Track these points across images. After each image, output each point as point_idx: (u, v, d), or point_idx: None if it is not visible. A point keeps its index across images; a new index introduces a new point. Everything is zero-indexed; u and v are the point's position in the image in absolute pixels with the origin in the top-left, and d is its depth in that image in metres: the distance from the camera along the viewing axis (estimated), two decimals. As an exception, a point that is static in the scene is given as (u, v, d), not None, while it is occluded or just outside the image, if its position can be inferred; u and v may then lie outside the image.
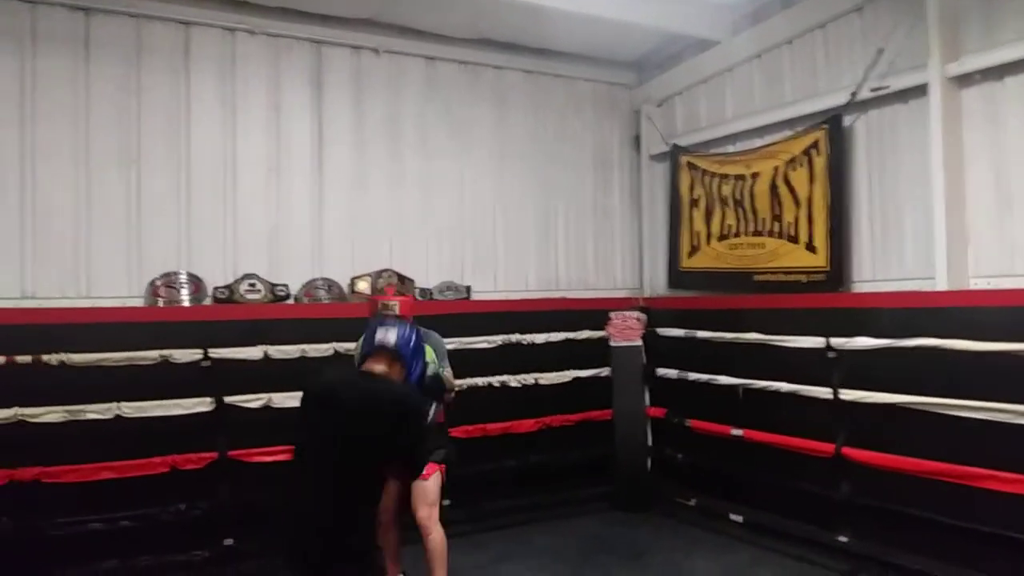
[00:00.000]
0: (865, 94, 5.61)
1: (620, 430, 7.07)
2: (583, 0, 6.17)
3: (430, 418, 3.68)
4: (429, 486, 4.54)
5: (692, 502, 6.72)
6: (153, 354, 5.35)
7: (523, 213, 7.44)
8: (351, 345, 5.17)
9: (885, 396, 5.11)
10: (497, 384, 6.59)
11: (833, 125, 5.82)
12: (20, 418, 4.91)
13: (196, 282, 5.86)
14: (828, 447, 5.46)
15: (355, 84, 6.69)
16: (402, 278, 6.57)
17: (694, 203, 7.16)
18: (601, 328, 7.17)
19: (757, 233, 6.48)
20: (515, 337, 6.77)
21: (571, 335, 7.07)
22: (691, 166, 7.20)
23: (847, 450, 5.35)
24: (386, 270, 6.55)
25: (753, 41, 6.64)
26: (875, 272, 5.68)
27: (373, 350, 3.50)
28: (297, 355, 5.75)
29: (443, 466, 4.67)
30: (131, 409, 5.20)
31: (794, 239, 6.13)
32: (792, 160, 6.16)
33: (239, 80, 6.21)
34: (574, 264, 7.70)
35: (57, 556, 4.99)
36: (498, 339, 6.67)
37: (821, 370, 5.53)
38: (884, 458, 5.10)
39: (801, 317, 5.85)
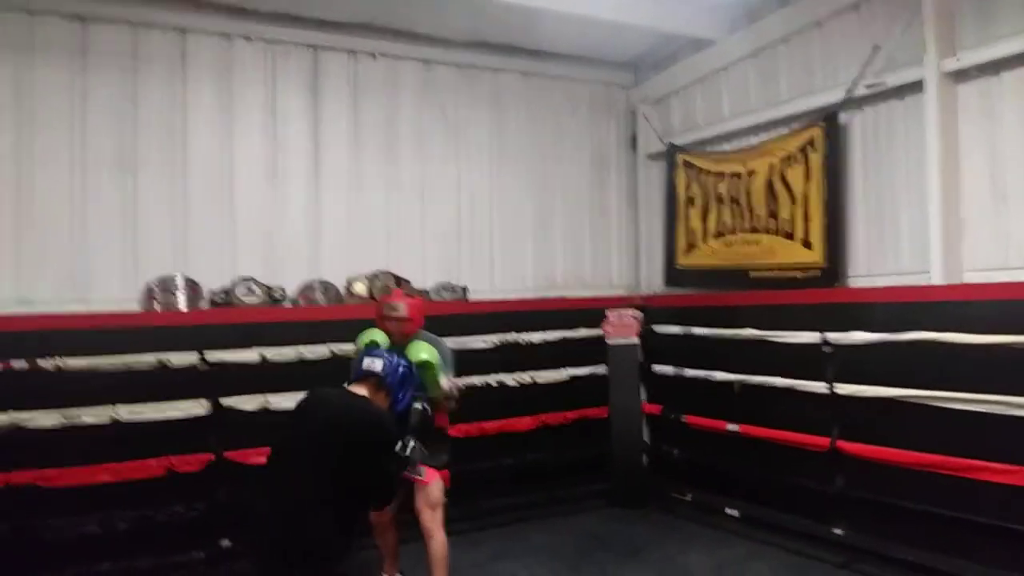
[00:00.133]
0: (861, 91, 5.61)
1: (616, 427, 7.09)
2: (579, 1, 6.17)
3: (408, 453, 3.71)
4: (431, 490, 4.55)
5: (688, 497, 6.74)
6: (150, 358, 5.38)
7: (520, 213, 7.46)
8: (348, 347, 5.18)
9: (880, 390, 5.13)
10: (494, 383, 6.61)
11: (829, 122, 5.83)
12: (16, 423, 4.93)
13: (192, 286, 5.89)
14: (823, 441, 5.47)
15: (352, 88, 6.72)
16: (398, 279, 6.59)
17: (690, 201, 7.16)
18: (598, 326, 7.18)
19: (753, 230, 6.48)
20: (512, 336, 6.80)
21: (568, 333, 7.09)
22: (687, 164, 7.20)
23: (842, 444, 5.36)
24: (383, 272, 6.57)
25: (749, 40, 6.64)
26: (871, 267, 5.68)
27: (360, 376, 3.60)
28: (294, 357, 5.78)
29: (444, 471, 4.66)
30: (127, 412, 5.23)
31: (790, 236, 6.13)
32: (788, 157, 6.16)
33: (236, 85, 6.24)
34: (571, 263, 7.71)
35: (54, 559, 5.00)
36: (495, 339, 6.70)
37: (816, 365, 5.56)
38: (879, 451, 5.12)
39: (797, 313, 5.87)
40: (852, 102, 5.71)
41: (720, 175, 6.81)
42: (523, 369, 6.79)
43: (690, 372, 6.73)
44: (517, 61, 7.43)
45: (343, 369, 4.04)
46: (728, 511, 6.28)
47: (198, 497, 5.41)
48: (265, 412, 5.55)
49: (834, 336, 5.45)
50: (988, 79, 4.94)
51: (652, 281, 7.79)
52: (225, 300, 5.95)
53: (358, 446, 3.25)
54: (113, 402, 5.21)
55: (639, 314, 7.21)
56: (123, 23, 5.84)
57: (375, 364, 3.64)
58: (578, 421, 7.02)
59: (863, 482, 5.30)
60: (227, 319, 5.84)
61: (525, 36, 7.11)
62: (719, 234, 6.83)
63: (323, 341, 5.87)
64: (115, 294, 5.66)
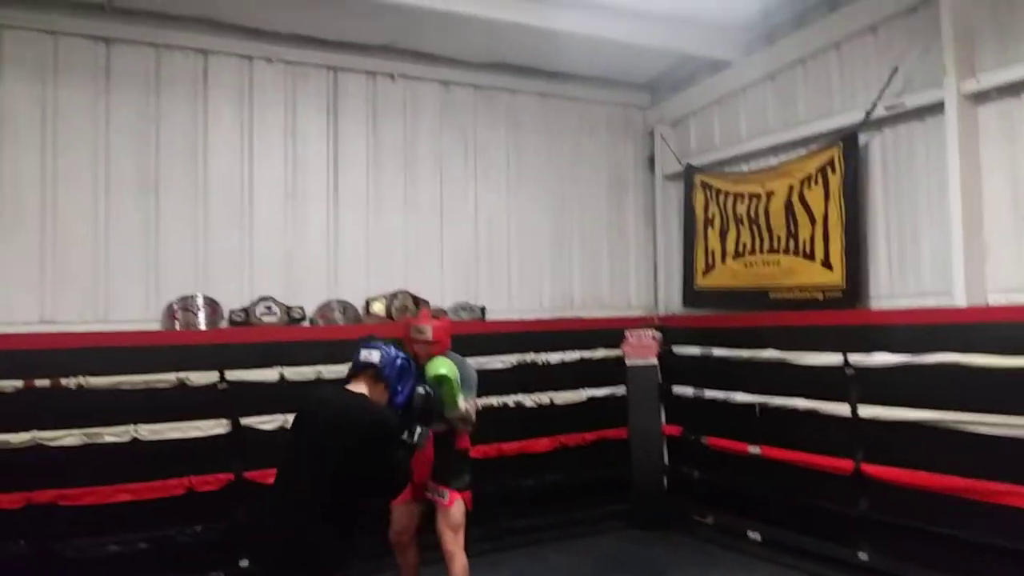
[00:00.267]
0: (880, 112, 5.61)
1: (636, 448, 7.05)
2: (596, 23, 6.22)
3: (416, 440, 3.66)
4: (452, 513, 4.53)
5: (709, 520, 6.68)
6: (170, 377, 5.41)
7: (538, 234, 7.47)
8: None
9: (904, 412, 5.08)
10: (512, 404, 6.60)
11: (848, 143, 5.82)
12: (38, 441, 4.96)
13: (213, 305, 5.92)
14: (847, 464, 5.42)
15: (371, 109, 6.77)
16: (416, 299, 6.60)
17: (709, 222, 7.16)
18: (616, 347, 7.17)
19: (773, 251, 6.46)
20: (530, 356, 6.79)
21: (586, 354, 7.07)
22: (705, 185, 7.21)
23: (866, 467, 5.31)
24: (401, 291, 6.58)
25: (766, 62, 6.66)
26: (892, 288, 5.65)
27: (357, 369, 3.56)
28: (313, 377, 5.77)
29: (467, 493, 4.64)
30: (148, 432, 5.25)
31: (810, 256, 6.11)
32: (807, 179, 6.15)
33: (256, 106, 6.30)
34: (589, 283, 7.70)
35: (74, 579, 5.01)
36: (513, 359, 6.69)
37: (839, 387, 5.51)
38: (904, 474, 5.07)
39: (818, 334, 5.84)
40: (871, 123, 5.70)
41: (739, 196, 6.81)
42: (541, 389, 6.79)
43: (710, 393, 6.70)
44: (535, 82, 7.47)
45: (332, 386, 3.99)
46: (750, 534, 6.22)
47: (218, 517, 5.40)
48: (284, 431, 5.48)
49: (856, 358, 5.41)
50: (1009, 100, 4.93)
51: (670, 301, 7.77)
52: (244, 319, 5.97)
53: (360, 444, 3.24)
54: (134, 421, 5.23)
55: (658, 334, 7.19)
56: (145, 45, 5.91)
57: (372, 355, 3.58)
58: (597, 442, 6.99)
59: (887, 506, 5.24)
60: (246, 338, 5.86)
61: (542, 58, 7.16)
62: (738, 255, 6.81)
63: (342, 360, 5.81)
64: (137, 314, 5.70)
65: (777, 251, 6.42)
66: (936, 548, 4.94)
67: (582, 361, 7.04)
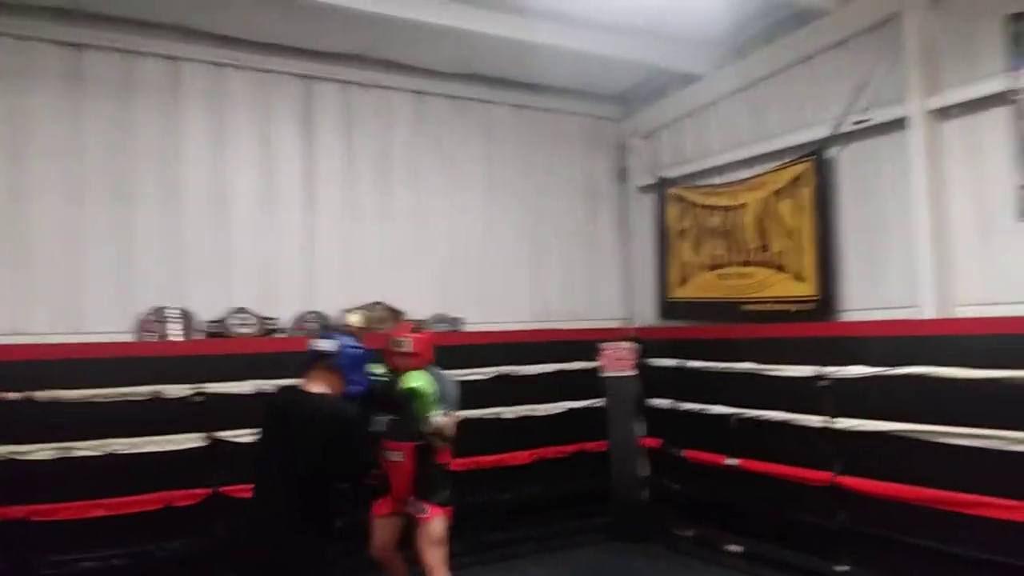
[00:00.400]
0: (848, 127, 5.73)
1: (615, 461, 7.08)
2: (569, 35, 6.28)
3: (379, 427, 3.74)
4: (432, 529, 4.50)
5: (689, 533, 6.71)
6: (144, 390, 5.33)
7: (513, 245, 7.49)
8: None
9: (878, 424, 5.17)
10: (490, 416, 6.60)
11: (818, 157, 5.95)
12: (11, 456, 4.85)
13: (187, 316, 5.83)
14: (824, 476, 5.49)
15: (345, 118, 6.75)
16: (393, 310, 6.58)
17: (682, 234, 7.25)
18: (593, 358, 7.20)
19: (746, 263, 6.56)
20: (508, 369, 6.80)
21: (563, 366, 7.09)
22: (678, 198, 7.30)
23: (843, 479, 5.38)
24: (377, 303, 6.55)
25: (737, 75, 6.77)
26: (862, 301, 5.75)
27: (312, 360, 3.54)
28: (290, 389, 5.72)
29: (447, 508, 4.61)
30: (123, 445, 5.16)
31: (782, 269, 6.22)
32: (779, 191, 6.26)
33: (228, 115, 6.24)
34: (565, 295, 7.74)
35: (49, 595, 4.89)
36: (490, 371, 6.69)
37: (813, 399, 5.59)
38: (880, 486, 5.14)
39: (792, 346, 5.92)
40: (840, 137, 5.82)
41: (711, 208, 6.91)
42: (520, 402, 6.80)
43: (686, 405, 6.75)
44: (509, 94, 7.51)
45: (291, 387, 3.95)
46: (730, 547, 6.25)
47: (195, 532, 5.31)
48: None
49: (830, 370, 5.51)
50: (972, 117, 5.07)
51: (645, 313, 7.83)
52: (219, 331, 5.90)
53: (327, 444, 3.26)
54: (109, 435, 5.14)
55: (634, 347, 7.24)
56: (116, 51, 5.83)
57: (326, 345, 3.59)
58: (576, 454, 7.02)
59: (866, 517, 5.29)
60: (222, 350, 5.79)
61: (516, 69, 7.20)
62: (712, 267, 6.91)
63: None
64: (110, 325, 5.60)
65: (750, 263, 6.52)
66: (914, 560, 5.00)
67: (560, 373, 7.06)
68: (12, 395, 4.95)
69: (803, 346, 5.81)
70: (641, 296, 7.92)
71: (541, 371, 6.96)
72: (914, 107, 5.26)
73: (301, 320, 6.27)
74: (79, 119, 5.68)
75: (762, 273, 6.39)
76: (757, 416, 6.05)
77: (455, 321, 6.94)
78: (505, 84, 7.43)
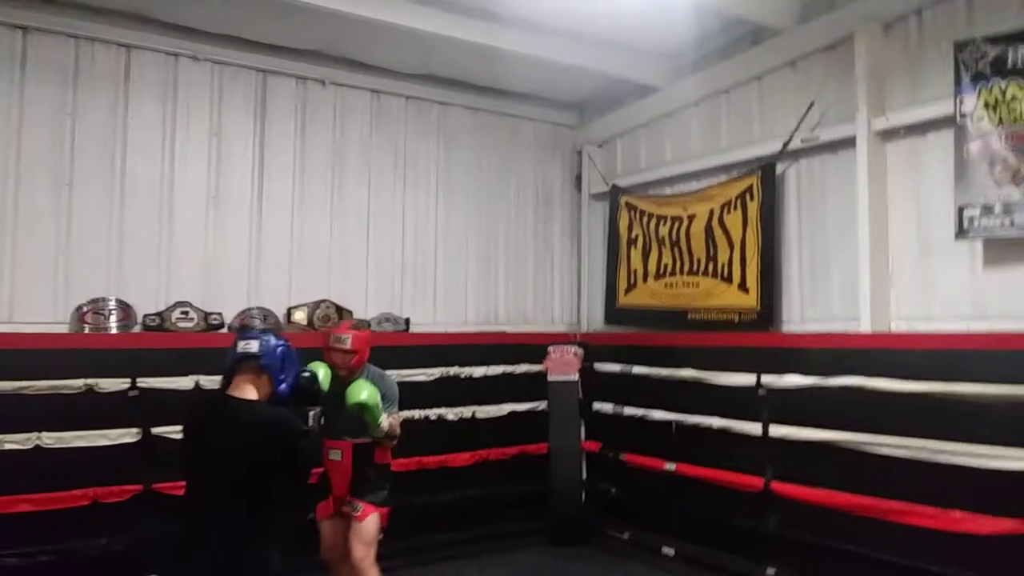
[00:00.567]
0: (797, 144, 5.85)
1: (556, 464, 7.11)
2: (530, 41, 6.30)
3: (312, 424, 3.59)
4: (366, 527, 4.46)
5: (625, 536, 6.78)
6: (78, 382, 5.19)
7: (464, 247, 7.48)
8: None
9: (812, 432, 5.28)
10: (434, 417, 6.59)
11: (766, 172, 6.05)
12: (-68, 447, 4.69)
13: (125, 309, 5.71)
14: (757, 481, 5.60)
15: (300, 114, 6.68)
16: (340, 309, 6.53)
17: (632, 242, 7.32)
18: (539, 362, 7.23)
19: (692, 273, 6.65)
20: (453, 370, 6.80)
21: (509, 368, 7.12)
22: (630, 206, 7.37)
23: (776, 484, 5.49)
24: (324, 301, 6.49)
25: (693, 89, 6.85)
26: (804, 313, 5.88)
27: (237, 362, 3.35)
28: (230, 385, 5.62)
29: (383, 509, 4.58)
30: (52, 439, 5.02)
31: (727, 279, 6.31)
32: (727, 204, 6.36)
33: (180, 105, 6.13)
34: (513, 299, 7.75)
35: (-32, 593, 4.74)
36: (436, 371, 6.68)
37: (752, 407, 5.69)
38: (811, 492, 5.25)
39: (733, 355, 6.01)
40: (788, 154, 5.95)
41: (661, 218, 6.99)
42: (463, 403, 6.79)
43: (629, 410, 6.82)
44: (466, 96, 7.51)
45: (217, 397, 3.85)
46: (664, 550, 6.33)
47: (124, 530, 5.20)
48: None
49: (768, 379, 5.61)
50: (915, 139, 5.20)
51: (593, 319, 7.89)
52: (159, 324, 5.79)
53: (269, 452, 3.16)
54: (37, 428, 4.99)
55: (580, 351, 7.29)
56: (65, 35, 5.69)
57: (251, 346, 3.35)
58: (518, 457, 7.04)
59: (796, 523, 5.42)
60: (161, 344, 5.68)
61: (474, 72, 7.21)
62: (659, 275, 6.98)
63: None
64: (44, 315, 5.44)
65: (696, 273, 6.61)
66: (841, 564, 5.12)
67: (505, 375, 7.08)
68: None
69: (744, 355, 5.92)
70: (590, 302, 7.98)
71: (486, 373, 6.98)
72: (861, 127, 5.37)
73: (245, 316, 6.17)
74: (22, 101, 5.52)
75: (708, 283, 6.48)
76: (697, 422, 6.13)
77: (401, 321, 6.90)
78: (463, 87, 7.43)
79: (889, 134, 5.32)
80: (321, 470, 4.52)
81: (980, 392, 4.45)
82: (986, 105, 4.62)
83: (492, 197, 7.68)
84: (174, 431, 5.32)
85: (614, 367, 7.08)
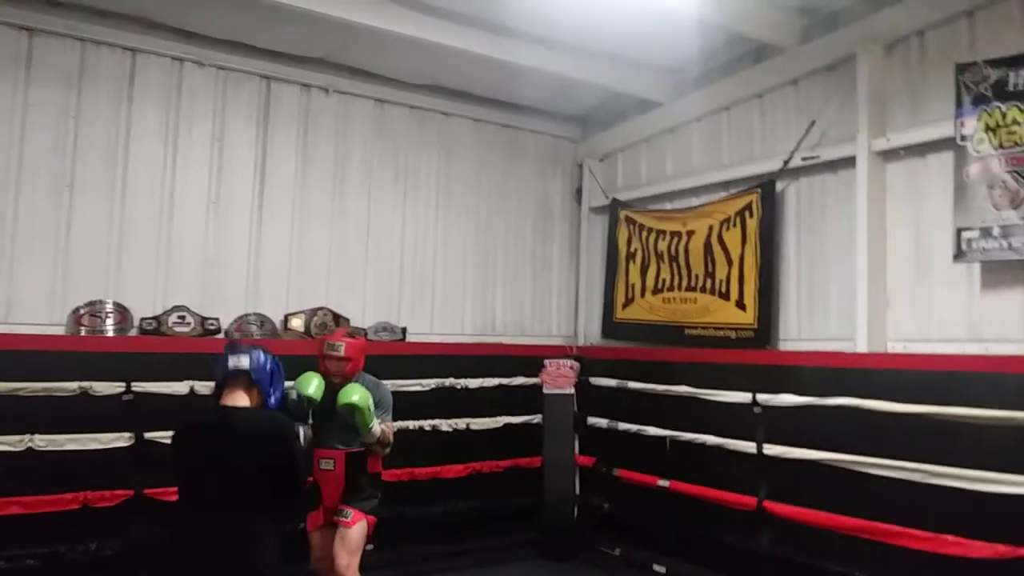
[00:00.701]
0: (797, 162, 5.86)
1: (549, 478, 7.08)
2: (534, 54, 6.33)
3: (303, 442, 3.65)
4: (352, 534, 4.44)
5: (617, 552, 6.74)
6: (72, 385, 5.18)
7: (463, 258, 7.49)
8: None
9: (806, 452, 5.26)
10: (428, 428, 6.58)
11: (766, 189, 6.05)
12: (-77, 447, 4.68)
13: (122, 312, 5.71)
14: (750, 500, 5.57)
15: (302, 121, 6.69)
16: (337, 317, 6.52)
17: (631, 256, 7.32)
18: (535, 375, 7.22)
19: (690, 288, 6.64)
20: (449, 381, 6.79)
21: (505, 381, 7.11)
22: (629, 220, 7.37)
23: (769, 504, 5.47)
24: (321, 308, 6.49)
25: (695, 105, 6.87)
26: (800, 331, 5.87)
27: (228, 376, 3.46)
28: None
29: (371, 517, 4.57)
30: (44, 442, 5.01)
31: (725, 296, 6.31)
32: (726, 220, 6.36)
33: (183, 110, 6.15)
34: (511, 310, 7.75)
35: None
36: (432, 382, 6.67)
37: (747, 425, 5.68)
38: (804, 512, 5.23)
39: (729, 372, 6.00)
40: (788, 172, 5.96)
41: (661, 233, 6.99)
42: (458, 415, 6.78)
43: (623, 426, 6.80)
44: (468, 107, 7.53)
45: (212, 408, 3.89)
46: (656, 567, 6.29)
47: (113, 534, 5.17)
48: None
49: (764, 397, 5.59)
50: (915, 160, 5.20)
51: (590, 332, 7.89)
52: (155, 328, 5.78)
53: (267, 455, 3.26)
54: (30, 430, 4.99)
55: (576, 364, 7.28)
56: (71, 38, 5.71)
57: (241, 361, 3.48)
58: (511, 470, 7.02)
59: (788, 542, 5.39)
60: (156, 348, 5.67)
61: (478, 83, 7.24)
62: (657, 290, 6.98)
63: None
64: (41, 317, 5.44)
65: (694, 289, 6.60)
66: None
67: (500, 387, 7.07)
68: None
69: (739, 373, 5.90)
70: (587, 315, 7.97)
71: (481, 384, 6.97)
72: (862, 147, 5.37)
73: (242, 322, 6.17)
74: (26, 103, 5.54)
75: (705, 299, 6.47)
76: (691, 439, 6.11)
77: (398, 330, 6.89)
78: (467, 98, 7.46)
79: (889, 155, 5.32)
80: (311, 480, 4.50)
81: (976, 415, 4.43)
82: (987, 128, 4.62)
83: (492, 208, 7.69)
84: (167, 436, 5.30)
85: (610, 382, 7.07)
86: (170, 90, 6.10)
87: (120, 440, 5.28)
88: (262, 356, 3.56)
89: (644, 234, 7.17)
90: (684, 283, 6.70)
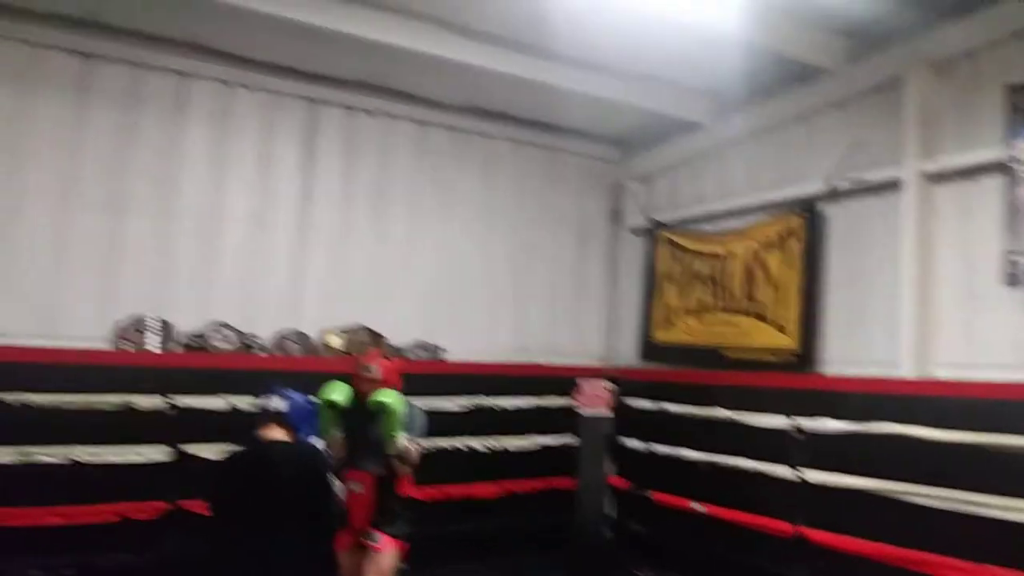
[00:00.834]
0: (841, 184, 5.76)
1: (582, 499, 6.99)
2: (574, 77, 6.34)
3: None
4: (384, 559, 4.42)
5: (647, 575, 6.61)
6: (115, 399, 5.30)
7: (501, 278, 7.51)
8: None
9: (847, 479, 5.13)
10: (462, 447, 6.57)
11: (809, 212, 5.97)
12: (-31, 456, 4.81)
13: (166, 328, 5.83)
14: (787, 526, 5.45)
15: (346, 143, 6.81)
16: (375, 335, 6.54)
17: (669, 278, 7.26)
18: (570, 395, 7.15)
19: (730, 311, 6.56)
20: (484, 400, 6.78)
21: (540, 401, 7.10)
22: (668, 242, 7.32)
23: (806, 530, 5.33)
24: (359, 326, 6.53)
25: (736, 126, 6.82)
26: (843, 356, 5.75)
27: (265, 418, 3.84)
28: (264, 407, 5.68)
29: (403, 542, 4.55)
30: (86, 454, 5.12)
31: (766, 319, 6.21)
32: (768, 243, 6.28)
33: (231, 132, 6.31)
34: (547, 330, 7.74)
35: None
36: (467, 401, 6.68)
37: (786, 450, 5.56)
38: (843, 540, 5.10)
39: (769, 396, 5.90)
40: (832, 195, 5.86)
41: (700, 254, 6.93)
42: (492, 434, 6.77)
43: (660, 448, 6.71)
44: (508, 129, 7.58)
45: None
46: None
47: (149, 546, 5.25)
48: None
49: (805, 422, 5.48)
50: (965, 183, 5.08)
51: (627, 354, 7.81)
52: (197, 344, 5.89)
53: (315, 484, 3.65)
54: (73, 442, 5.10)
55: (612, 386, 7.20)
56: (124, 63, 5.90)
57: (277, 403, 3.94)
58: (544, 491, 6.97)
59: (826, 571, 5.25)
60: (197, 363, 5.78)
61: (517, 105, 7.28)
62: (696, 312, 6.90)
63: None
64: (87, 331, 5.59)
65: (734, 311, 6.52)
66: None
67: (536, 408, 7.05)
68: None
69: (780, 397, 5.80)
70: (624, 336, 7.91)
71: (517, 405, 6.96)
72: (909, 169, 5.28)
73: (282, 338, 6.25)
74: (81, 128, 5.74)
75: (746, 322, 6.38)
76: (728, 463, 6.00)
77: (435, 349, 6.92)
78: (506, 119, 7.51)
79: (937, 177, 5.21)
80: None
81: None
82: (1038, 151, 4.50)
83: (531, 228, 7.71)
84: (206, 450, 5.43)
85: (647, 404, 6.99)
86: (218, 113, 6.27)
87: (160, 454, 5.38)
88: (299, 399, 4.07)
89: (683, 255, 7.12)
90: (724, 305, 6.62)
